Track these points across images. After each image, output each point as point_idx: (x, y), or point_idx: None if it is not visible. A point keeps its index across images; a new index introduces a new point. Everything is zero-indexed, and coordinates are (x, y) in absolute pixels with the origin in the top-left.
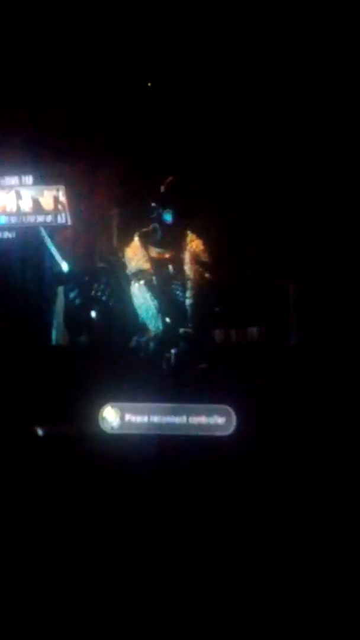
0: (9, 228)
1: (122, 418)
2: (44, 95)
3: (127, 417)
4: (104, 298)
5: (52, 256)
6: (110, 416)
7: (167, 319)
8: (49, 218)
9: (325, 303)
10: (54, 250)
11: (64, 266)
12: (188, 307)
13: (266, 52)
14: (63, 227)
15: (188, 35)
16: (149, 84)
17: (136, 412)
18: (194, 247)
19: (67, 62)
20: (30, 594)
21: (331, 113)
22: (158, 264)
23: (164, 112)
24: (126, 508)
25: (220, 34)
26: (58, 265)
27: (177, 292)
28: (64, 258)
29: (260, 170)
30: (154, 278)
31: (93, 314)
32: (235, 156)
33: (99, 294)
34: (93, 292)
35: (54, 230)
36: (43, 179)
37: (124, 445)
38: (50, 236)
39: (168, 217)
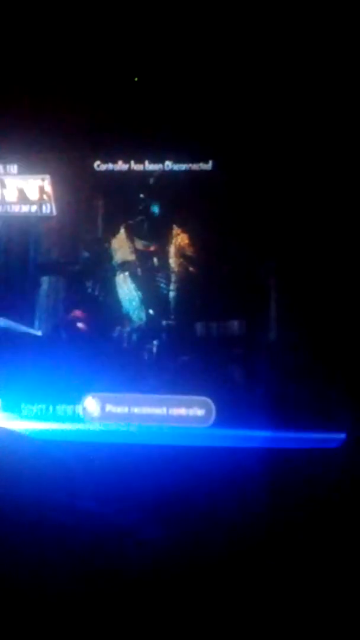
0: None
1: (103, 409)
2: (28, 84)
3: (108, 407)
4: (88, 288)
5: (36, 246)
6: (91, 406)
7: (151, 311)
8: (34, 208)
9: (308, 297)
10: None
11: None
12: (171, 300)
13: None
14: (48, 217)
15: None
16: (136, 79)
17: (117, 403)
18: (179, 240)
19: (52, 49)
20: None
21: (312, 112)
22: (143, 256)
23: (149, 103)
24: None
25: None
26: (41, 255)
27: (161, 285)
28: (49, 248)
29: (243, 165)
30: (138, 270)
31: (77, 303)
32: (220, 150)
33: (83, 284)
34: (78, 283)
35: (39, 220)
36: (28, 168)
37: (105, 436)
38: (35, 226)
39: (155, 210)
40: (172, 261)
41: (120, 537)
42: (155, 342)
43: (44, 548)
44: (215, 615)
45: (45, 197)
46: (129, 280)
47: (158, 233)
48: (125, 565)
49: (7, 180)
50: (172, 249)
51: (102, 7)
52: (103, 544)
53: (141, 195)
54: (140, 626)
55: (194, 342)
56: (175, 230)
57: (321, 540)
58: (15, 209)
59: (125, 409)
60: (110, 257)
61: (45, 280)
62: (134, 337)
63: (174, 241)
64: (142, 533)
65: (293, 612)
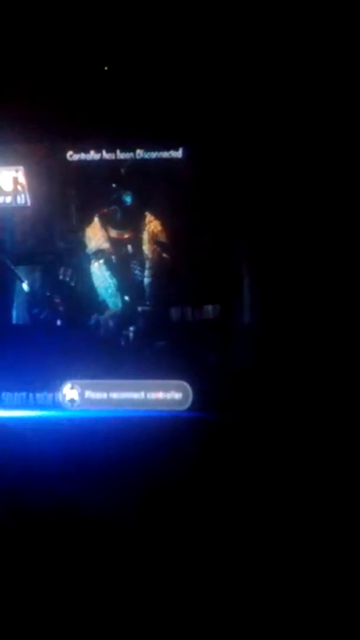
0: None
1: (82, 395)
2: (1, 77)
3: (87, 393)
4: (64, 277)
5: (11, 236)
6: (71, 393)
7: (126, 297)
8: (8, 199)
9: (280, 281)
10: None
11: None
12: (146, 286)
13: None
14: (23, 207)
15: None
16: (106, 68)
17: (96, 389)
18: (152, 227)
19: (22, 42)
20: None
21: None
22: (117, 244)
23: (120, 95)
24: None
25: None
26: (17, 245)
27: (136, 272)
28: (24, 238)
29: (213, 152)
30: (113, 257)
31: (54, 292)
32: (190, 138)
33: (60, 272)
34: (54, 272)
35: (14, 210)
36: (2, 160)
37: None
38: (9, 217)
39: (127, 199)
40: (146, 248)
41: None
42: (131, 329)
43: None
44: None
45: (19, 188)
46: (103, 268)
47: (131, 221)
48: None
49: None
50: (145, 237)
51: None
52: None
53: (113, 184)
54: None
55: (169, 327)
56: (148, 217)
57: None
58: None
59: (104, 395)
60: (84, 246)
61: (20, 270)
62: (110, 323)
63: (147, 228)
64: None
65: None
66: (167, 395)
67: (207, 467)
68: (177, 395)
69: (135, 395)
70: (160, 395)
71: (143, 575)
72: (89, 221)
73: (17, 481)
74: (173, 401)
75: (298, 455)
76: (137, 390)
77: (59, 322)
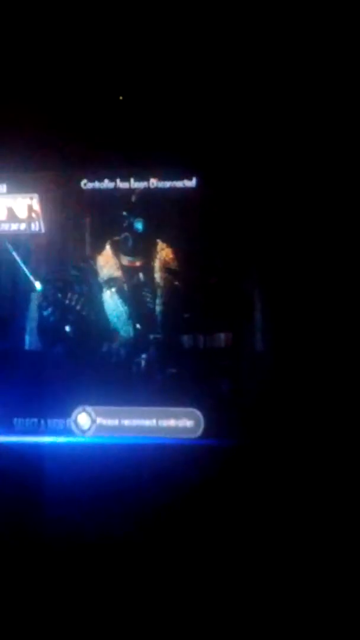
0: None
1: (94, 421)
2: (16, 106)
3: (99, 420)
4: (76, 304)
5: (25, 262)
6: (83, 420)
7: (138, 325)
8: (22, 226)
9: (291, 309)
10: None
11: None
12: (158, 314)
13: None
14: (37, 234)
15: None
16: (121, 98)
17: (107, 416)
18: (163, 255)
19: (41, 71)
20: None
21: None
22: (129, 272)
23: (135, 124)
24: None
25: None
26: (31, 271)
27: (148, 299)
28: (38, 264)
29: (226, 182)
30: (125, 285)
31: (66, 319)
32: (203, 168)
33: (72, 300)
34: (66, 299)
35: (28, 237)
36: (17, 187)
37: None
38: (25, 244)
39: (139, 225)
40: (158, 276)
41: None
42: (143, 356)
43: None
44: None
45: (33, 215)
46: (115, 296)
47: (143, 249)
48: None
49: None
50: (157, 264)
51: (89, 30)
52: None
53: (126, 213)
54: None
55: (180, 354)
56: (160, 245)
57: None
58: (5, 227)
59: (116, 422)
60: (96, 274)
61: (34, 297)
62: (122, 351)
63: (158, 256)
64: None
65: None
66: (179, 422)
67: (218, 495)
68: (189, 423)
69: (147, 423)
70: (172, 422)
71: (151, 600)
72: (101, 249)
73: (28, 507)
74: (185, 429)
75: (309, 482)
76: (149, 417)
77: (71, 349)
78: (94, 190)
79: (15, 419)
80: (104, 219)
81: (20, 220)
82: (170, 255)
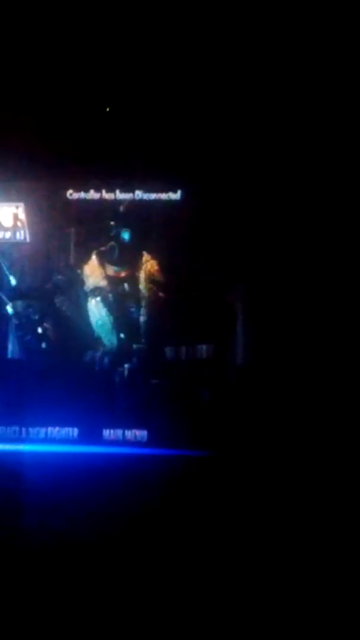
0: None
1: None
2: (4, 116)
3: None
4: (61, 313)
5: (7, 271)
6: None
7: (122, 335)
8: (7, 234)
9: (273, 321)
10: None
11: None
12: (142, 324)
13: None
14: (22, 243)
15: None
16: (107, 109)
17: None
18: (149, 267)
19: (25, 82)
20: None
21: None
22: (114, 282)
23: (121, 136)
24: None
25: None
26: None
27: (132, 310)
28: (22, 274)
29: (211, 194)
30: (110, 295)
31: (50, 328)
32: (188, 180)
33: (57, 308)
34: (50, 307)
35: (12, 246)
36: (2, 196)
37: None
38: (8, 252)
39: (125, 235)
40: (142, 287)
41: None
42: (126, 366)
43: None
44: None
45: (19, 224)
46: (100, 305)
47: (128, 259)
48: None
49: None
50: (142, 275)
51: (76, 43)
52: None
53: (112, 223)
54: None
55: (163, 365)
56: (145, 256)
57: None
58: None
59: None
60: (82, 283)
61: (16, 305)
62: (105, 360)
63: (143, 267)
64: None
65: None
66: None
67: (195, 505)
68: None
69: (128, 433)
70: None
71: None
72: (87, 258)
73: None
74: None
75: (280, 492)
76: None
77: (54, 358)
78: (79, 200)
79: None
80: (89, 229)
81: (5, 229)
82: (155, 267)
